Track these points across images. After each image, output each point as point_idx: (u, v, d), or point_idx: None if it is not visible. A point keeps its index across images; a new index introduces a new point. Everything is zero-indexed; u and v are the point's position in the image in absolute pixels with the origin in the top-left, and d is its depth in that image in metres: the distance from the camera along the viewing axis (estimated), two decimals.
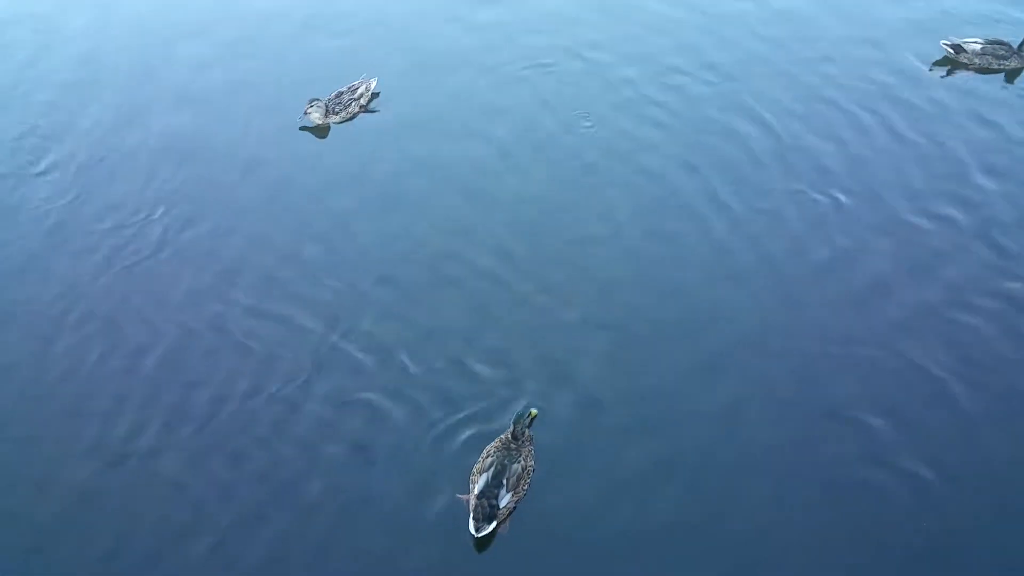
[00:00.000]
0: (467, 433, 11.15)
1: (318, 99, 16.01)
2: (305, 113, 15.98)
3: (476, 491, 10.35)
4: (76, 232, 14.09)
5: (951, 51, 16.29)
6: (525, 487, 10.53)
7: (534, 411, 11.01)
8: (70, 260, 13.65)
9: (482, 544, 10.24)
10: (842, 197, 13.96)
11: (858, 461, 10.70)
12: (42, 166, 15.39)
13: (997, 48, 16.22)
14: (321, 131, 16.04)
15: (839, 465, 10.68)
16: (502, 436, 10.81)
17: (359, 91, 16.27)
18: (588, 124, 15.68)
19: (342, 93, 16.25)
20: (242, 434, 11.32)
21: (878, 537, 10.06)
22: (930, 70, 16.20)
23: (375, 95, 16.45)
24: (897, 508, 10.29)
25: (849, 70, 16.54)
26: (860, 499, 10.38)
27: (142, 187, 14.88)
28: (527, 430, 10.81)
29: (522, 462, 10.54)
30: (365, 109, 16.29)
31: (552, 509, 10.46)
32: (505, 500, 10.30)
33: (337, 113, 16.10)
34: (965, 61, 16.23)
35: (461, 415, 11.33)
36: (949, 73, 16.12)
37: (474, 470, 10.64)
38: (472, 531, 10.14)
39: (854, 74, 16.44)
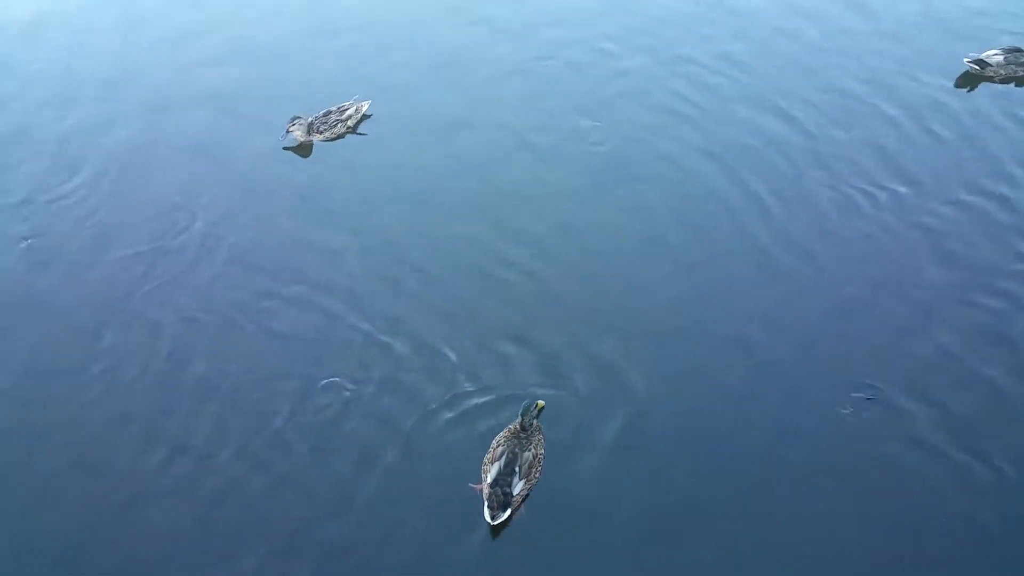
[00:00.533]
0: (495, 422, 11.43)
1: (300, 117, 16.11)
2: (287, 131, 16.05)
3: (489, 480, 10.57)
4: (113, 247, 14.20)
5: (976, 67, 16.72)
6: (537, 474, 10.76)
7: (541, 403, 11.27)
8: (110, 273, 13.79)
9: (497, 531, 10.41)
10: (874, 190, 14.31)
11: (899, 446, 10.99)
12: (72, 184, 15.43)
13: (1019, 55, 16.75)
14: (304, 150, 16.14)
15: (883, 452, 10.95)
16: (510, 426, 11.05)
17: (348, 112, 16.40)
18: (609, 120, 16.08)
19: (330, 113, 16.38)
20: (291, 427, 11.59)
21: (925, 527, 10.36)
22: (956, 87, 16.54)
23: (366, 117, 16.60)
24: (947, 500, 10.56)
25: (873, 66, 17.06)
26: (905, 490, 10.64)
27: (172, 198, 15.04)
28: (535, 420, 11.04)
29: (533, 450, 10.79)
30: (353, 131, 16.40)
31: (579, 500, 10.68)
32: (518, 487, 10.52)
33: (321, 132, 16.20)
34: (991, 74, 16.66)
35: (495, 401, 11.67)
36: (973, 89, 16.51)
37: (485, 460, 10.87)
38: (488, 519, 10.34)
39: (879, 70, 16.95)
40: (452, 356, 12.11)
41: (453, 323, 12.60)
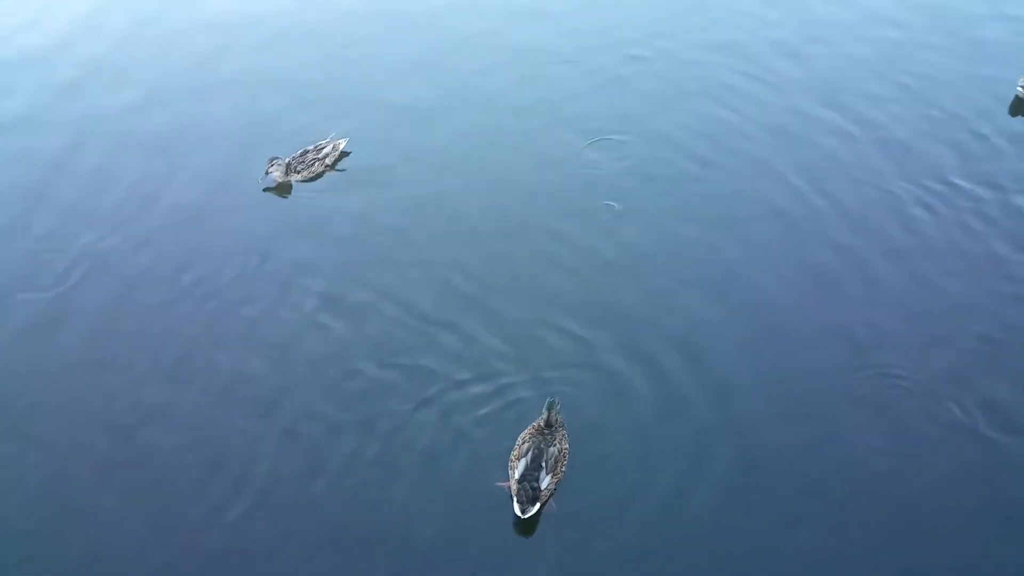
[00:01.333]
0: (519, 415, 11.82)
1: (278, 158, 16.32)
2: (266, 173, 16.25)
3: (516, 476, 10.82)
4: (159, 284, 14.27)
5: None
6: (563, 469, 11.03)
7: (557, 401, 11.56)
8: (157, 308, 13.90)
9: (526, 525, 10.69)
10: (945, 187, 14.95)
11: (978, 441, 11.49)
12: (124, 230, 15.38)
13: None
14: (283, 190, 16.32)
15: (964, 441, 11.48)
16: (535, 423, 11.31)
17: (324, 151, 16.68)
18: (654, 129, 16.68)
19: (307, 152, 16.62)
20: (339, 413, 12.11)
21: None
22: (1011, 115, 16.89)
23: (344, 154, 16.90)
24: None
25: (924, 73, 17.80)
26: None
27: (214, 234, 15.22)
28: (558, 416, 11.35)
29: (558, 445, 11.07)
30: (331, 168, 16.66)
31: (605, 491, 11.02)
32: (546, 482, 10.79)
33: (299, 172, 16.44)
34: None
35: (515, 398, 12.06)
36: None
37: (511, 457, 11.13)
38: (518, 513, 10.57)
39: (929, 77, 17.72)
40: (503, 344, 12.66)
41: (498, 317, 13.16)
